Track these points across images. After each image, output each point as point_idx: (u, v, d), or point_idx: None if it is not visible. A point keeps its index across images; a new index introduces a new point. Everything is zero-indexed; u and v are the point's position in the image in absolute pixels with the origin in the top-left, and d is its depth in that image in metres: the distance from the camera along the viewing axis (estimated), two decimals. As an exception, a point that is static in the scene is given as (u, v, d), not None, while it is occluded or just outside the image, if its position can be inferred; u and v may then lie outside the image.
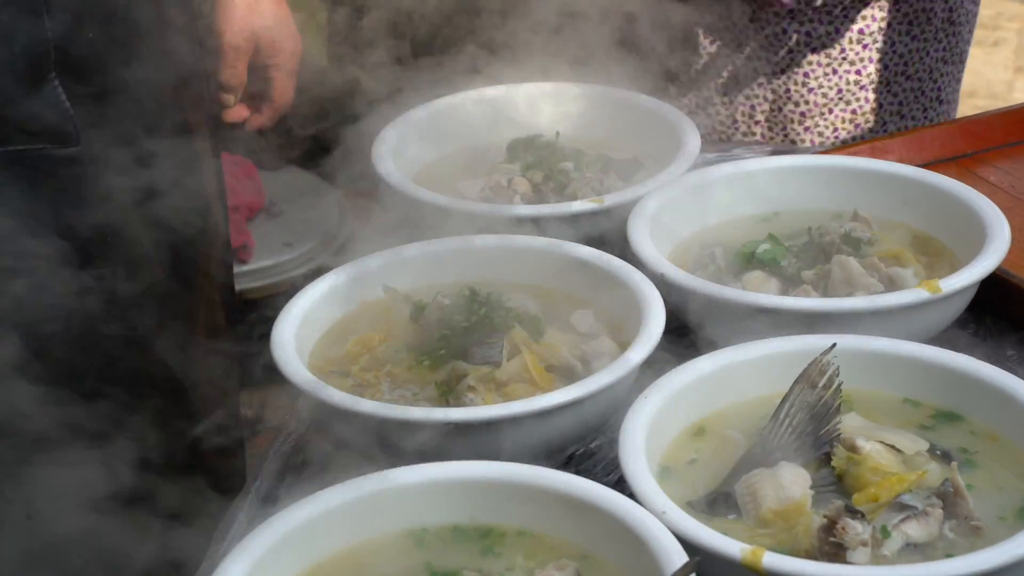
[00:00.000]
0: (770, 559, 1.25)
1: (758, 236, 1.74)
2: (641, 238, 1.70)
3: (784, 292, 1.66)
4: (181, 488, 1.69)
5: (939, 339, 1.60)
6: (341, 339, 1.63)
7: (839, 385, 1.42)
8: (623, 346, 1.55)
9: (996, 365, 1.48)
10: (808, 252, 1.71)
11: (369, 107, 2.04)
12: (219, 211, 1.95)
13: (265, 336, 1.56)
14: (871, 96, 2.22)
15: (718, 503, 1.37)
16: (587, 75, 2.07)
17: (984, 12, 4.72)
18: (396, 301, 1.66)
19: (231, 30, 1.96)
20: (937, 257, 1.73)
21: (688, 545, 1.27)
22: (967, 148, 2.02)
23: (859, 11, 2.19)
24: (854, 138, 2.28)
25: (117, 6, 1.67)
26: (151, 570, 1.56)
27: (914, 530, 1.31)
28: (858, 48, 2.18)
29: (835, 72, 2.20)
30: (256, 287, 2.86)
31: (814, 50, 2.20)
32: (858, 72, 2.20)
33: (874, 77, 2.22)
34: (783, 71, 2.22)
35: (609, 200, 1.80)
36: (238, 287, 2.78)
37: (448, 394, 1.52)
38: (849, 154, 1.92)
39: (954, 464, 1.37)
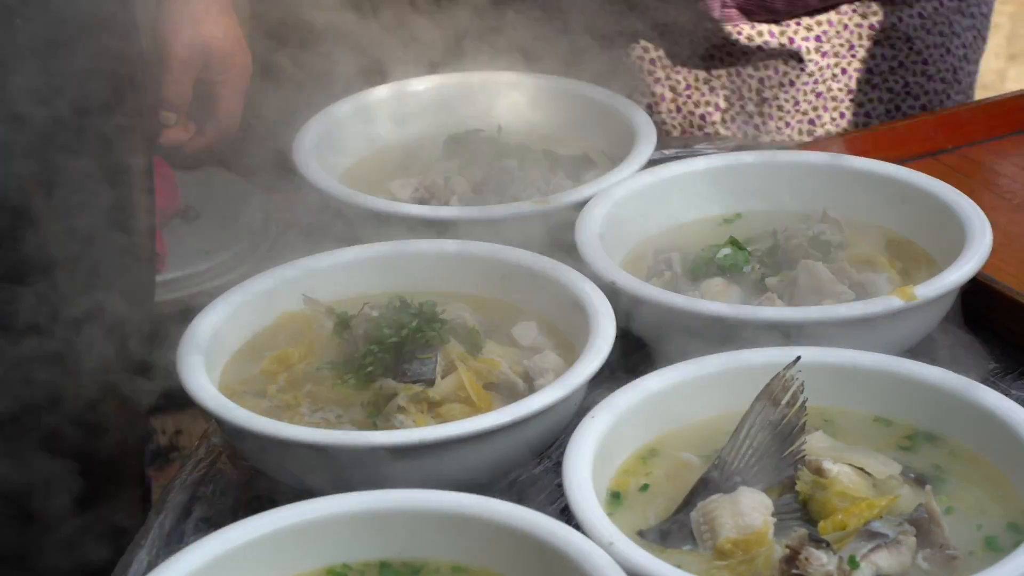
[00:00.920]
0: (727, 594, 1.26)
1: (718, 240, 1.75)
2: (590, 243, 1.70)
3: (746, 301, 1.67)
4: (72, 525, 1.68)
5: (915, 351, 1.61)
6: (257, 356, 1.62)
7: (804, 402, 1.42)
8: (569, 361, 1.55)
9: (977, 380, 1.48)
10: (772, 257, 1.72)
11: (293, 100, 2.04)
12: (147, 243, 1.94)
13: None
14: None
15: (672, 533, 1.37)
16: (532, 63, 2.07)
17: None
18: (318, 313, 1.66)
19: (179, 41, 1.91)
20: (913, 262, 1.74)
21: (637, 579, 1.27)
22: (947, 143, 2.03)
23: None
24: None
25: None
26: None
27: (885, 560, 1.32)
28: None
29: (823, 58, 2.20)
30: (170, 299, 2.84)
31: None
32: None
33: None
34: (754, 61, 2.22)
35: (555, 201, 1.81)
36: (149, 299, 2.76)
37: (375, 416, 1.52)
38: (817, 150, 1.94)
39: (928, 488, 1.37)
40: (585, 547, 1.29)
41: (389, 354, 1.56)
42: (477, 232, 1.76)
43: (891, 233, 1.79)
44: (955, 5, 2.24)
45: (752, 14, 2.16)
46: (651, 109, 2.27)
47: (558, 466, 1.42)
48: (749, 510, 1.36)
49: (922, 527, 1.34)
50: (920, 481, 1.41)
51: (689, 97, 2.24)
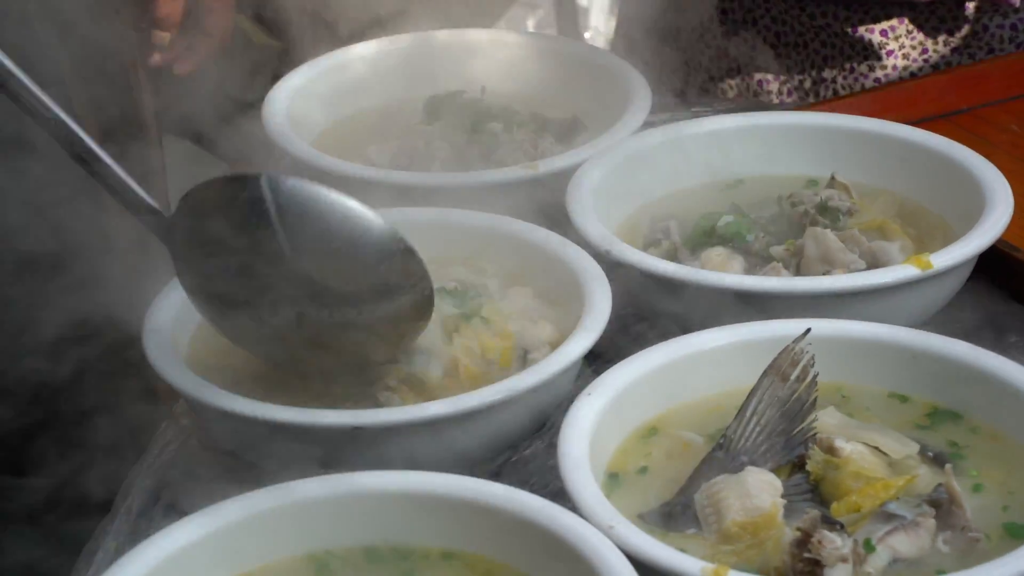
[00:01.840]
0: (735, 579, 1.26)
1: (719, 207, 1.75)
2: (583, 211, 1.71)
3: (750, 271, 1.68)
4: (33, 509, 1.69)
5: (931, 323, 1.62)
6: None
7: (814, 377, 1.43)
8: (563, 336, 1.56)
9: (997, 353, 1.50)
10: (778, 225, 1.73)
11: (260, 60, 2.04)
12: (160, 187, 1.94)
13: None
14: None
15: (674, 515, 1.38)
16: (518, 20, 2.08)
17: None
18: None
19: None
20: (928, 229, 1.75)
21: (640, 565, 1.28)
22: (963, 102, 2.04)
23: None
24: None
25: None
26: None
27: (902, 543, 1.33)
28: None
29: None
30: (129, 278, 2.84)
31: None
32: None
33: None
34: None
35: (545, 167, 1.81)
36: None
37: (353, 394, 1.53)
38: (825, 110, 1.94)
39: (948, 467, 1.38)
40: (583, 531, 1.30)
41: None
42: (461, 200, 1.77)
43: (904, 198, 1.80)
44: None
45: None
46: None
47: (553, 446, 1.43)
48: (757, 491, 1.37)
49: (942, 508, 1.35)
50: (939, 460, 1.42)
51: (751, 60, 2.23)
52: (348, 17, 2.04)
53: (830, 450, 1.41)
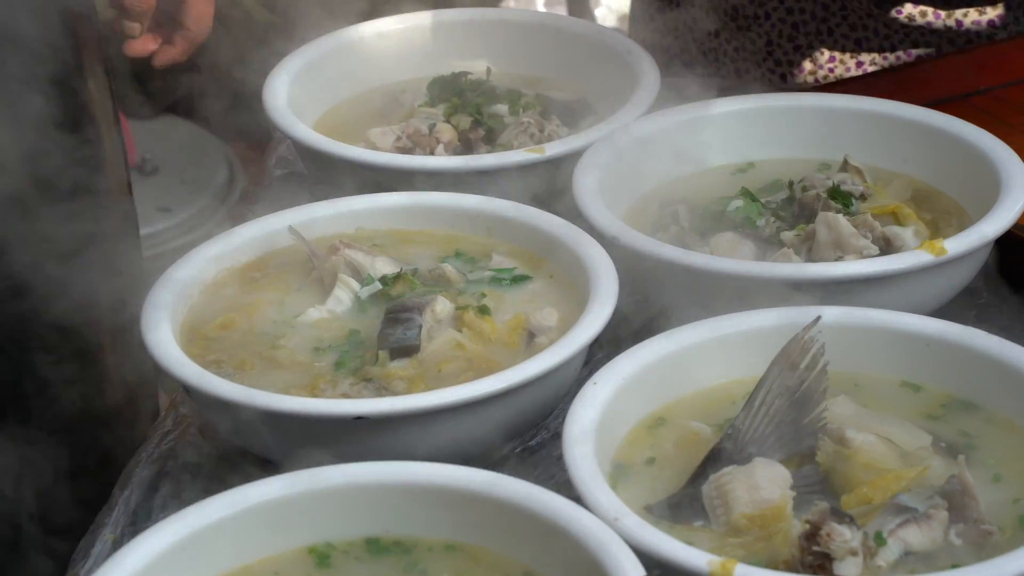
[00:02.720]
0: (743, 572, 1.27)
1: (729, 191, 1.75)
2: (589, 195, 1.71)
3: (760, 257, 1.68)
4: (31, 502, 1.70)
5: (945, 311, 1.62)
6: (227, 319, 1.64)
7: (824, 366, 1.43)
8: (568, 324, 1.56)
9: (1013, 341, 1.50)
10: (788, 209, 1.73)
11: (260, 40, 2.04)
12: (120, 175, 1.94)
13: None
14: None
15: (682, 507, 1.39)
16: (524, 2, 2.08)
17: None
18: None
19: None
20: (943, 214, 1.75)
21: (646, 557, 1.28)
22: (980, 83, 2.04)
23: None
24: None
25: None
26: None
27: (914, 536, 1.33)
28: None
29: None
30: (126, 261, 2.85)
31: None
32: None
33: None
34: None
35: (551, 150, 1.81)
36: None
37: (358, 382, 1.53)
38: (838, 92, 1.94)
39: (961, 458, 1.38)
40: (589, 523, 1.31)
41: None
42: (465, 184, 1.77)
43: (918, 182, 1.80)
44: None
45: None
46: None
47: (558, 437, 1.43)
48: (766, 483, 1.37)
49: (955, 500, 1.35)
50: (952, 451, 1.43)
51: (832, 71, 2.22)
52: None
53: (840, 441, 1.41)
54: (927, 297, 1.63)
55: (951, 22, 2.16)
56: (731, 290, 1.58)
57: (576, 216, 1.69)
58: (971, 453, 1.43)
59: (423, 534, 1.36)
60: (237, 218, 1.77)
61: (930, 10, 2.14)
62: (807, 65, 2.23)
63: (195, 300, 1.63)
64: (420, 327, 1.56)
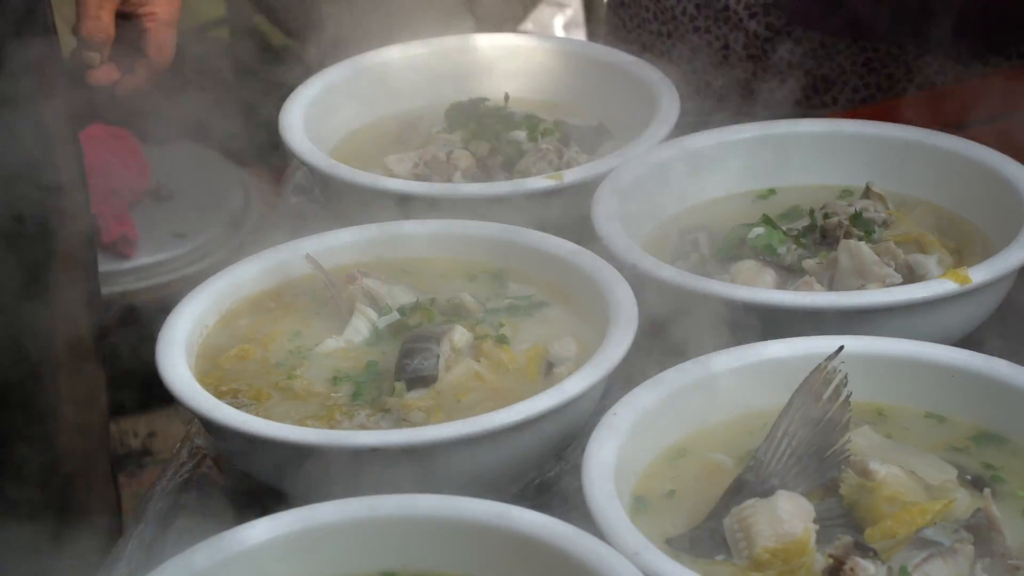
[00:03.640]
0: (765, 608, 1.27)
1: (750, 218, 1.75)
2: (609, 222, 1.71)
3: (782, 285, 1.68)
4: (37, 540, 1.69)
5: (969, 340, 1.62)
6: (244, 349, 1.64)
7: (848, 397, 1.43)
8: (588, 353, 1.56)
9: (1039, 372, 1.50)
10: (810, 237, 1.73)
11: (278, 65, 2.04)
12: (79, 200, 1.94)
13: (152, 346, 1.56)
14: None
15: (703, 541, 1.38)
16: (546, 19, 2.08)
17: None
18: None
19: None
20: (967, 241, 1.75)
21: (666, 592, 1.28)
22: (1004, 108, 2.03)
23: None
24: None
25: None
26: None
27: (939, 571, 1.33)
28: None
29: None
30: (140, 288, 2.86)
31: None
32: None
33: None
34: None
35: (570, 177, 1.82)
36: (118, 288, 2.77)
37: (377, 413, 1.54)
38: (860, 117, 1.94)
39: (987, 491, 1.38)
40: (608, 557, 1.30)
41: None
42: (483, 211, 1.78)
43: (942, 209, 1.80)
44: None
45: None
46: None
47: (577, 468, 1.43)
48: (788, 516, 1.37)
49: (981, 535, 1.35)
50: (977, 484, 1.42)
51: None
52: (369, 18, 2.05)
53: (864, 473, 1.41)
54: (951, 327, 1.62)
55: None
56: (752, 319, 1.58)
57: (595, 244, 1.69)
58: (997, 486, 1.42)
59: (441, 568, 1.36)
60: (252, 245, 1.77)
61: None
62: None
63: (210, 330, 1.64)
64: (438, 357, 1.56)
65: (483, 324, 1.63)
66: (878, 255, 1.67)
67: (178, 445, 1.63)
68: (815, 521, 1.37)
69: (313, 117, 1.96)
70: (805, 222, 1.75)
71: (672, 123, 1.90)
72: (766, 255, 1.70)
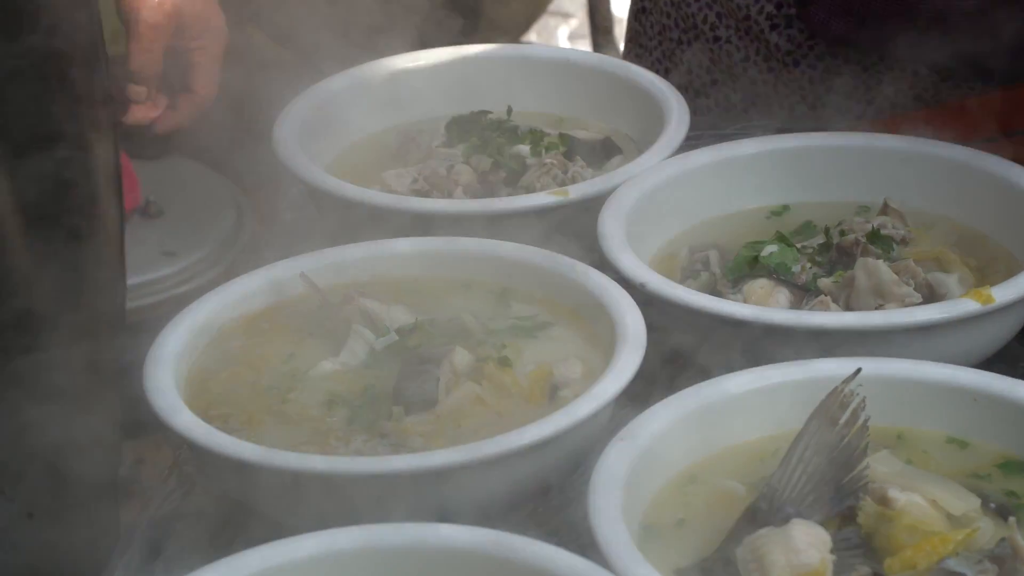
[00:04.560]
0: (780, 642, 1.26)
1: (763, 235, 1.75)
2: (616, 239, 1.71)
3: (796, 305, 1.67)
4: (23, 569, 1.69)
5: (992, 362, 1.61)
6: (235, 372, 1.63)
7: (865, 421, 1.42)
8: (594, 376, 1.55)
9: (1065, 396, 1.49)
10: (826, 255, 1.73)
11: (271, 77, 2.04)
12: (115, 249, 1.95)
13: (139, 369, 1.56)
14: None
15: (715, 572, 1.37)
16: (551, 29, 2.08)
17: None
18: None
19: (146, 3, 1.91)
20: (989, 259, 1.75)
21: (677, 626, 1.28)
22: (1024, 122, 2.03)
23: None
24: None
25: None
26: None
27: (962, 602, 1.32)
28: None
29: None
30: (128, 308, 2.85)
31: None
32: None
33: None
34: None
35: (575, 192, 1.81)
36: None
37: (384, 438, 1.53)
38: (876, 130, 1.94)
39: (1012, 520, 1.38)
40: (616, 589, 1.29)
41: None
42: (485, 228, 1.77)
43: (963, 226, 1.80)
44: None
45: None
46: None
47: (582, 496, 1.42)
48: (804, 546, 1.36)
49: (1005, 565, 1.34)
50: (1002, 512, 1.41)
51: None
52: (365, 28, 2.04)
53: (883, 501, 1.40)
54: (973, 348, 1.62)
55: None
56: (765, 340, 1.58)
57: (602, 262, 1.69)
58: (1022, 515, 1.41)
59: (440, 599, 1.35)
60: (245, 264, 1.77)
61: None
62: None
63: (200, 352, 1.63)
64: (438, 380, 1.55)
65: (485, 345, 1.62)
66: (897, 274, 1.67)
67: (166, 472, 1.62)
68: (832, 551, 1.36)
69: (308, 131, 1.96)
70: (820, 239, 1.75)
71: (682, 137, 1.89)
72: (780, 274, 1.70)
